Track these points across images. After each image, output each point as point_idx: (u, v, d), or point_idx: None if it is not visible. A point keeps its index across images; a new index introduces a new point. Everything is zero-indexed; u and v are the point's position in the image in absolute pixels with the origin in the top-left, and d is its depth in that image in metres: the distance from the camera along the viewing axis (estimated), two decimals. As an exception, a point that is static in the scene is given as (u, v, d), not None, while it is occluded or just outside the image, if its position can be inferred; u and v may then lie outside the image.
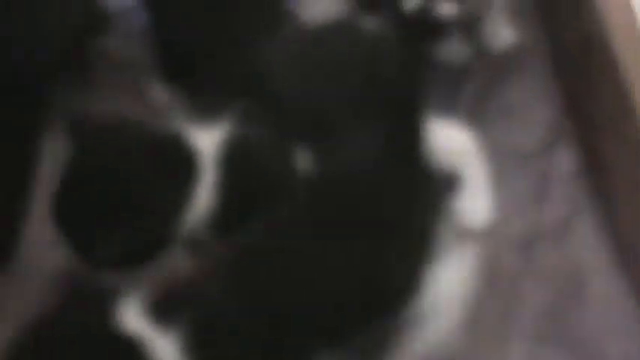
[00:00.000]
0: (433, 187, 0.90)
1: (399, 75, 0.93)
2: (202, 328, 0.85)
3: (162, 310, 0.85)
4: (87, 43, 1.03)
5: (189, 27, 1.01)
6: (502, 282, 1.01)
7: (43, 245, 0.93)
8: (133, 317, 0.85)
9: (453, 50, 1.07)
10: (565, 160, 1.08)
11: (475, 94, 1.11)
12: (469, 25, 1.06)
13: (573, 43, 1.09)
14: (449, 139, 0.97)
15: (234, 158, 0.90)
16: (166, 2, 1.03)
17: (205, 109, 0.95)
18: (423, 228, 0.88)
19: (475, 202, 0.99)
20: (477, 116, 1.06)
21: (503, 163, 1.03)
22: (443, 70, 1.03)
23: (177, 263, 0.90)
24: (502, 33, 1.10)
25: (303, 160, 0.89)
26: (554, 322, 1.00)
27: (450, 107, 1.01)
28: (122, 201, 0.85)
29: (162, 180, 0.87)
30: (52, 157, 0.93)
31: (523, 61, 1.13)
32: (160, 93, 1.05)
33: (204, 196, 0.89)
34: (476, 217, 0.99)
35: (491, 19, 1.08)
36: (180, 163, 0.88)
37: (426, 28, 1.00)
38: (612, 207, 1.06)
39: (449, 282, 0.95)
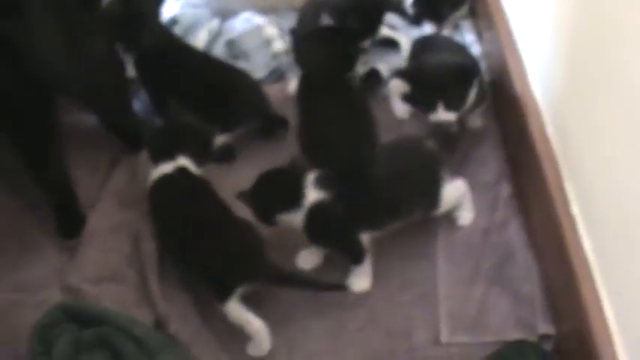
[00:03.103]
0: None
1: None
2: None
3: None
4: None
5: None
6: (473, 251, 1.53)
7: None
8: None
9: (452, 127, 1.66)
10: (505, 189, 1.62)
11: (463, 151, 1.68)
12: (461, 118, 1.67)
13: (511, 128, 1.66)
14: (455, 185, 1.54)
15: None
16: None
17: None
18: None
19: (466, 213, 1.58)
20: (462, 164, 1.64)
21: (475, 190, 1.58)
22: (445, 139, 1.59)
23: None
24: (476, 121, 1.73)
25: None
26: (498, 272, 1.48)
27: (448, 160, 1.54)
28: None
29: None
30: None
31: (486, 135, 1.72)
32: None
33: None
34: (466, 219, 1.57)
35: (471, 115, 1.70)
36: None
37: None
38: (527, 215, 1.56)
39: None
